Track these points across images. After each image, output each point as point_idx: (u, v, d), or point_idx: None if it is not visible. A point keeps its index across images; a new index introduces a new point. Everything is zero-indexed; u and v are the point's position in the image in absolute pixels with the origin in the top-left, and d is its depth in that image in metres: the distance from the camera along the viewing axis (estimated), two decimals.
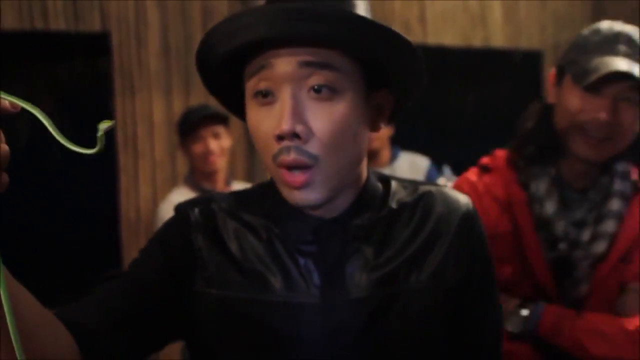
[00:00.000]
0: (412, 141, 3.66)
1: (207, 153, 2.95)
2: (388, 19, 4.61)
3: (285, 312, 1.01)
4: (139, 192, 3.90)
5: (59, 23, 3.66)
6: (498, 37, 5.13)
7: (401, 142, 3.67)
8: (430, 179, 3.42)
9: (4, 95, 0.80)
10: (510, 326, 1.50)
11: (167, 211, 2.89)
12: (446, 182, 3.24)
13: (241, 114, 1.09)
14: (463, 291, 1.07)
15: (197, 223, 1.08)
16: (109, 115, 3.83)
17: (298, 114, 0.96)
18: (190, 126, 2.99)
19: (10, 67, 3.70)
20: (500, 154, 1.65)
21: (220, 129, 3.00)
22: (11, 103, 0.80)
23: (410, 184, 1.14)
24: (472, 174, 1.65)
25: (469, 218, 1.10)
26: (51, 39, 3.76)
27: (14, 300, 0.80)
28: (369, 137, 1.05)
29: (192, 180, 3.06)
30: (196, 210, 1.10)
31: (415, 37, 4.74)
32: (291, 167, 0.97)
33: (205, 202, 1.12)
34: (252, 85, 1.00)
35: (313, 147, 0.96)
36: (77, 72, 4.11)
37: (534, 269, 1.52)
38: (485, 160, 1.67)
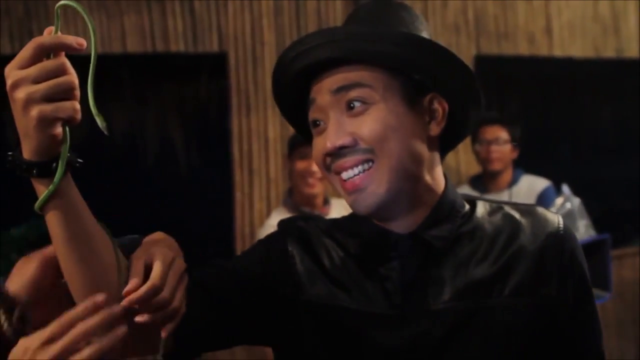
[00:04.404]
0: (543, 158, 3.49)
1: (309, 173, 2.92)
2: (511, 32, 4.44)
3: (367, 322, 1.06)
4: (254, 207, 3.97)
5: (178, 45, 3.81)
6: (633, 47, 4.79)
7: (534, 160, 3.52)
8: (545, 200, 3.26)
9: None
10: None
11: (267, 233, 2.91)
12: (564, 202, 3.07)
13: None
14: (556, 310, 1.07)
15: (294, 234, 1.17)
16: (227, 133, 3.94)
17: (340, 131, 1.05)
18: (300, 141, 3.00)
19: (135, 87, 3.89)
20: None
21: None
22: (75, 39, 0.85)
23: (497, 204, 1.16)
24: None
25: (557, 236, 1.09)
26: (172, 60, 3.91)
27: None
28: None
29: (290, 203, 3.05)
30: (295, 225, 1.19)
31: (540, 49, 4.53)
32: (347, 169, 1.06)
33: (305, 220, 1.21)
34: (310, 117, 1.12)
35: (364, 144, 1.04)
36: (196, 92, 4.26)
37: None
38: None
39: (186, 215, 4.07)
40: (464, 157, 4.20)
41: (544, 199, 3.34)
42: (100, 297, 0.81)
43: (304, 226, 1.19)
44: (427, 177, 1.10)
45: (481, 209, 1.14)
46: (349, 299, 1.08)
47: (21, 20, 3.46)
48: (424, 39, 1.07)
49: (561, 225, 1.11)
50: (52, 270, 0.97)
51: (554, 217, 1.12)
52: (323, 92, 1.08)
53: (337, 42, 1.05)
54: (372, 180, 1.05)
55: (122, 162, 4.18)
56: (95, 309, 0.81)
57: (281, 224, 1.21)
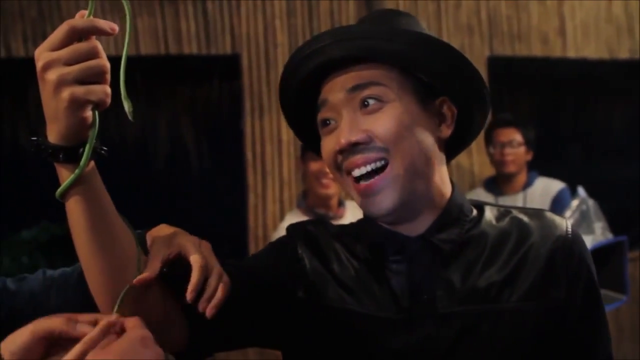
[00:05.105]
0: (556, 160, 3.47)
1: (323, 174, 2.90)
2: (524, 33, 4.41)
3: (375, 326, 1.06)
4: (266, 209, 3.97)
5: (191, 47, 3.80)
6: None
7: (546, 161, 3.50)
8: (561, 202, 3.23)
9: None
10: None
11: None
12: (579, 204, 3.04)
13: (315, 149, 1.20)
14: (564, 314, 1.07)
15: (304, 238, 1.17)
16: (239, 135, 3.94)
17: (354, 128, 1.04)
18: None
19: (149, 89, 3.89)
20: None
21: None
22: (108, 23, 0.85)
23: (505, 209, 1.16)
24: None
25: (566, 240, 1.09)
26: (185, 62, 3.91)
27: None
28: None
29: (305, 205, 3.03)
30: (304, 229, 1.19)
31: (554, 51, 4.50)
32: (358, 167, 1.05)
33: (315, 224, 1.21)
34: (319, 119, 1.11)
35: (379, 142, 1.04)
36: (209, 94, 4.26)
37: None
38: None
39: (199, 217, 4.06)
40: (477, 158, 4.18)
41: (559, 201, 3.31)
42: (113, 318, 0.80)
43: (313, 230, 1.19)
44: (437, 179, 1.10)
45: (489, 213, 1.14)
46: (357, 303, 1.08)
47: (35, 22, 3.47)
48: (439, 40, 1.07)
49: (569, 229, 1.11)
50: (41, 344, 0.86)
51: (562, 221, 1.12)
52: (336, 90, 1.07)
53: (352, 41, 1.05)
54: (386, 182, 1.04)
55: (136, 163, 4.18)
56: (109, 328, 0.79)
57: (291, 228, 1.21)
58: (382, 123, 1.04)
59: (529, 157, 3.42)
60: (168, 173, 4.13)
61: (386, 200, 1.04)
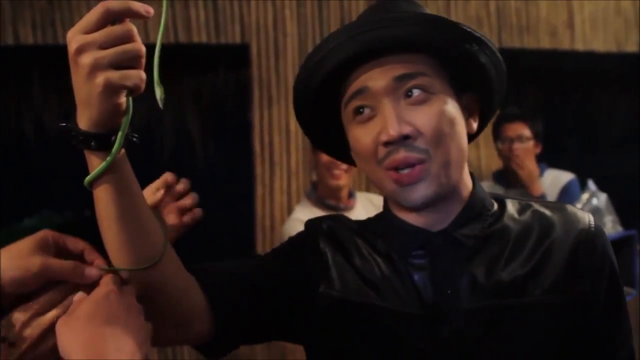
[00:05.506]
0: (563, 152, 3.47)
1: (334, 164, 2.86)
2: (533, 25, 4.40)
3: (400, 321, 1.05)
4: (274, 200, 3.95)
5: (200, 36, 3.78)
6: None
7: (551, 154, 3.50)
8: (570, 193, 3.23)
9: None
10: None
11: (294, 228, 2.87)
12: (590, 198, 3.04)
13: (327, 150, 1.23)
14: (588, 307, 1.06)
15: (324, 233, 1.15)
16: (248, 125, 3.92)
17: (401, 120, 1.01)
18: None
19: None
20: None
21: None
22: (143, 6, 0.82)
23: (526, 202, 1.15)
24: None
25: (589, 233, 1.09)
26: (194, 51, 3.89)
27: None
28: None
29: (315, 196, 3.00)
30: (324, 224, 1.17)
31: (562, 43, 4.48)
32: (399, 167, 1.02)
33: (333, 219, 1.20)
34: (351, 108, 1.07)
35: (422, 143, 1.02)
36: (218, 83, 4.24)
37: None
38: None
39: (206, 208, 4.06)
40: (485, 151, 4.17)
41: (567, 192, 3.31)
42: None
43: (333, 225, 1.17)
44: (464, 173, 1.11)
45: (510, 207, 1.13)
46: (380, 298, 1.07)
47: (44, 10, 3.44)
48: (483, 37, 1.07)
49: (592, 222, 1.10)
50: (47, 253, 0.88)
51: (584, 215, 1.12)
52: (379, 78, 1.04)
53: (406, 27, 1.02)
54: (426, 173, 1.03)
55: (143, 153, 4.15)
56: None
57: (310, 223, 1.19)
58: (429, 118, 1.02)
59: (538, 150, 3.41)
60: (174, 163, 4.11)
61: (426, 189, 1.03)
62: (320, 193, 2.99)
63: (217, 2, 3.81)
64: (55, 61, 3.57)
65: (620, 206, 3.19)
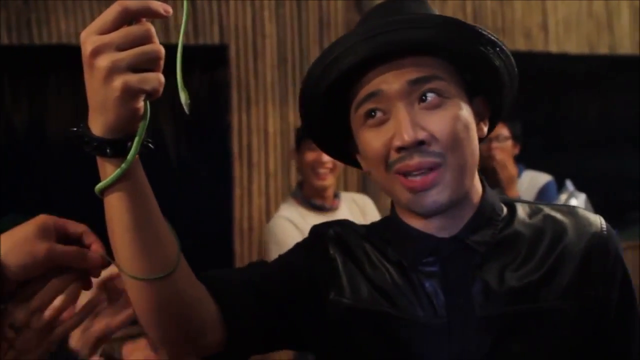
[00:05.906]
0: (527, 153, 3.51)
1: (319, 163, 2.81)
2: (508, 27, 4.47)
3: (412, 330, 1.03)
4: (252, 202, 3.94)
5: (179, 36, 3.74)
6: (626, 44, 4.84)
7: (529, 154, 3.54)
8: (548, 194, 3.26)
9: None
10: None
11: (279, 226, 2.85)
12: (568, 198, 3.08)
13: (332, 153, 1.19)
14: (601, 311, 1.05)
15: (332, 238, 1.12)
16: (226, 127, 3.90)
17: (416, 124, 0.98)
18: None
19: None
20: None
21: None
22: (162, 5, 0.78)
23: (537, 206, 1.13)
24: None
25: (601, 237, 1.07)
26: (172, 52, 3.85)
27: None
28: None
29: (300, 195, 2.96)
30: (332, 230, 1.14)
31: (536, 45, 4.56)
32: (411, 173, 0.99)
33: (340, 224, 1.16)
34: (363, 111, 1.04)
35: (437, 148, 0.99)
36: (196, 84, 4.20)
37: None
38: None
39: (184, 210, 4.02)
40: None
41: (545, 194, 3.34)
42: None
43: (341, 231, 1.14)
44: (475, 178, 1.08)
45: (521, 211, 1.11)
46: (392, 306, 1.04)
47: (20, 10, 3.38)
48: (498, 40, 1.04)
49: (604, 226, 1.08)
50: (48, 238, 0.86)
51: (596, 218, 1.10)
52: (391, 81, 1.00)
53: (426, 29, 1.00)
54: (440, 179, 0.99)
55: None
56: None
57: (316, 229, 1.16)
58: (444, 123, 0.99)
59: (516, 150, 3.44)
60: (152, 165, 4.09)
61: (440, 195, 1.00)
62: (305, 193, 2.96)
63: (195, 2, 3.77)
64: (29, 62, 3.51)
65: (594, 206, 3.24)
